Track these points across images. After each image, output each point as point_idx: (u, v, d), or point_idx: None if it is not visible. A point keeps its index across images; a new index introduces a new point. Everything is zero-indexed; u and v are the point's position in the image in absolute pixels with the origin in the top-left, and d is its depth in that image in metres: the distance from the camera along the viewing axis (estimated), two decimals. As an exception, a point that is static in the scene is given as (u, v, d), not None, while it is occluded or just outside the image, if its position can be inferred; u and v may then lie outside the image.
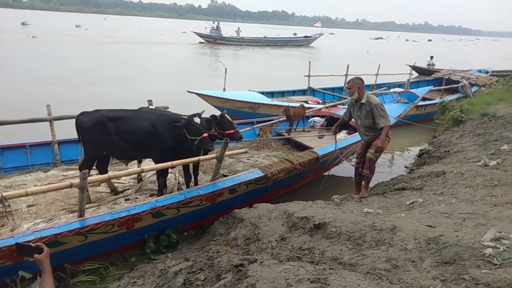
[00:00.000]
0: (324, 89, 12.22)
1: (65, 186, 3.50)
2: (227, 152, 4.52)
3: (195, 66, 22.74)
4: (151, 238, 4.25)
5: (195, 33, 39.22)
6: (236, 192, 4.79)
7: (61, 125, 5.74)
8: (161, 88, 14.45)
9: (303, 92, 12.06)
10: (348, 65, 12.69)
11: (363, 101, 4.82)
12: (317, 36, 47.15)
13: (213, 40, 38.89)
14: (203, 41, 38.97)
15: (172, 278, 3.15)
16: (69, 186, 3.49)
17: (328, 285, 2.30)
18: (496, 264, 2.37)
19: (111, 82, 15.51)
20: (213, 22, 41.20)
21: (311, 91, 12.11)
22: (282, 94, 11.61)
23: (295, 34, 56.96)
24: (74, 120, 5.61)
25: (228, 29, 42.37)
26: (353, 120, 5.29)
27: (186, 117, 4.34)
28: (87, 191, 4.54)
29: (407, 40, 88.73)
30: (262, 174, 4.83)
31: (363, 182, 5.10)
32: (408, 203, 4.30)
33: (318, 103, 10.67)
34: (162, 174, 4.60)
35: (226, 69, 9.33)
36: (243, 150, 4.85)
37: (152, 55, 26.69)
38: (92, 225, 3.57)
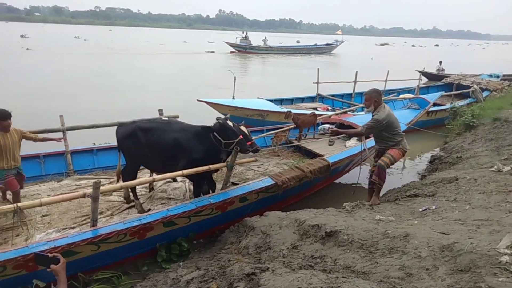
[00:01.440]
0: (333, 95, 12.22)
1: (78, 196, 3.54)
2: (237, 161, 4.54)
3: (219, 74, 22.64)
4: (163, 247, 4.26)
5: (227, 43, 40.82)
6: (247, 201, 4.79)
7: (74, 135, 5.84)
8: (175, 97, 14.57)
9: (312, 99, 12.08)
10: (356, 72, 12.70)
11: (374, 113, 4.89)
12: (338, 43, 48.75)
13: (244, 49, 40.39)
14: (234, 50, 40.51)
15: (184, 287, 3.16)
16: (82, 196, 3.53)
17: (342, 293, 2.28)
18: (513, 272, 2.32)
19: (110, 92, 15.59)
20: (242, 32, 42.93)
21: (320, 98, 12.12)
22: (291, 101, 11.63)
23: (298, 41, 58.41)
24: (86, 130, 5.79)
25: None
26: None
27: (220, 121, 4.37)
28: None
29: (413, 45, 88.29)
30: (273, 182, 4.83)
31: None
32: (420, 210, 4.25)
33: (327, 109, 10.66)
34: (199, 188, 4.66)
35: (235, 77, 9.41)
36: (253, 158, 4.86)
37: (152, 65, 26.61)
38: (105, 235, 3.61)
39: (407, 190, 5.60)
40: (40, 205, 3.36)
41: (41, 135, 4.93)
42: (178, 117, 6.17)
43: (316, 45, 48.10)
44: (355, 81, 12.69)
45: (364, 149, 5.78)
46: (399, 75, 15.05)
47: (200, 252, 4.30)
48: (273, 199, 5.23)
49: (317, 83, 12.08)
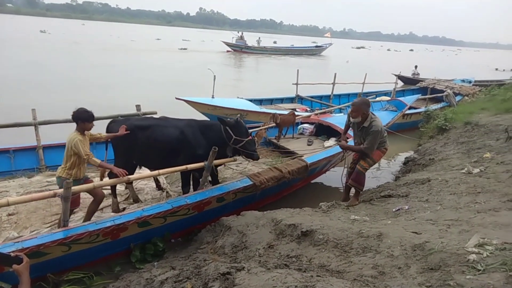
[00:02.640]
0: (312, 97, 12.33)
1: (48, 196, 3.42)
2: (215, 161, 4.50)
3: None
4: (137, 247, 4.18)
5: (224, 42, 41.56)
6: (224, 201, 4.76)
7: (46, 130, 5.65)
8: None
9: (291, 100, 12.15)
10: (335, 74, 12.87)
11: (365, 124, 4.74)
12: (327, 46, 50.41)
13: (239, 49, 41.26)
14: (230, 50, 41.32)
15: (158, 287, 3.11)
16: (53, 195, 3.41)
17: (316, 292, 2.30)
18: (480, 270, 2.40)
19: (90, 88, 15.16)
20: (238, 32, 44.26)
21: (299, 99, 12.21)
22: (271, 101, 11.67)
23: (275, 42, 60.33)
24: (59, 124, 5.57)
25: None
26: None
27: (237, 118, 4.53)
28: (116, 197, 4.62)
29: (388, 49, 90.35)
30: (251, 182, 4.82)
31: (352, 190, 5.14)
32: (394, 210, 4.35)
33: (306, 110, 10.75)
34: (187, 184, 4.69)
35: (214, 76, 9.34)
36: (231, 158, 4.83)
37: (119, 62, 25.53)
38: (76, 235, 3.49)
39: (382, 191, 5.71)
40: (8, 204, 3.22)
41: (104, 134, 4.31)
42: (156, 113, 6.08)
43: (292, 46, 49.86)
44: (333, 83, 12.85)
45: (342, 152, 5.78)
46: (375, 78, 15.34)
47: (176, 251, 4.24)
48: (251, 199, 5.22)
49: (297, 84, 12.17)
